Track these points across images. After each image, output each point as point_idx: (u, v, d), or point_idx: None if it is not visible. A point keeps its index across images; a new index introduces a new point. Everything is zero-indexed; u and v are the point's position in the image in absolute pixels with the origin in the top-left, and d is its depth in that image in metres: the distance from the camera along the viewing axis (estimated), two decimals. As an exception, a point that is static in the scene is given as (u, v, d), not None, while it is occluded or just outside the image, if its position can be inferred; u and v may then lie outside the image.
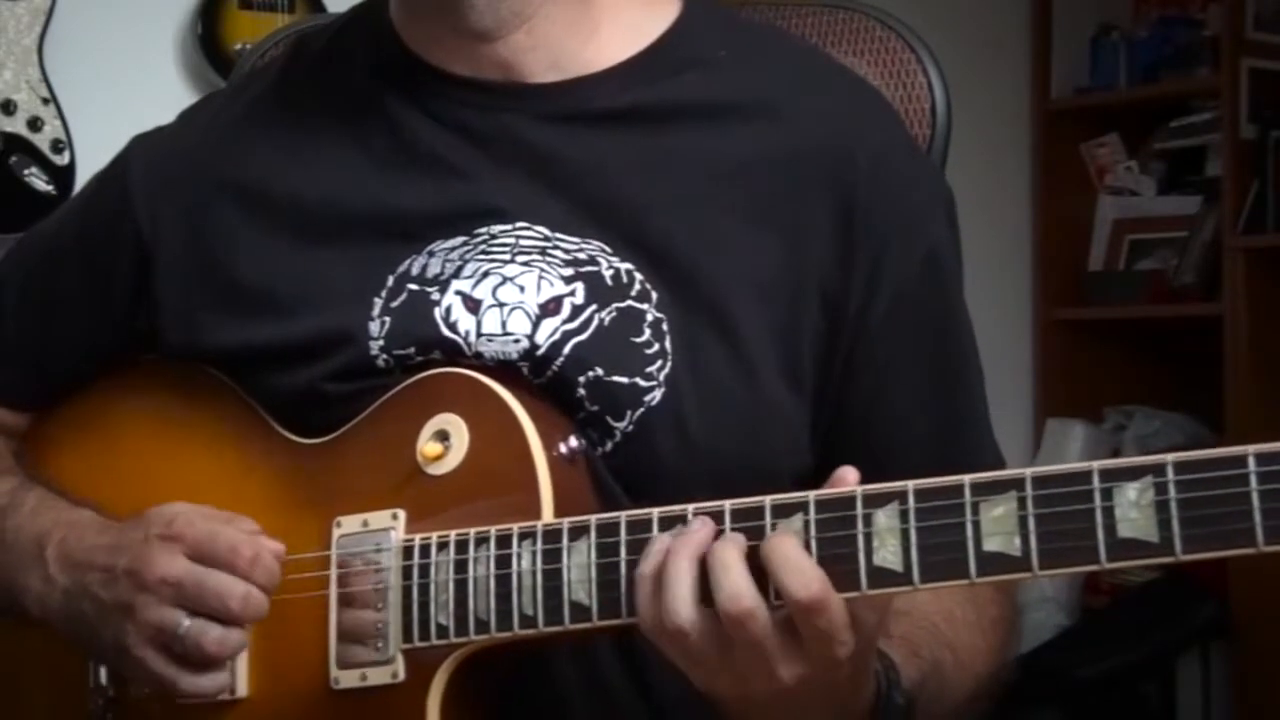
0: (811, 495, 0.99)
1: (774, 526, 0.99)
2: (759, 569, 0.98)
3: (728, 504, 1.01)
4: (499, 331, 1.17)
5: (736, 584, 0.97)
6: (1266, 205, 3.67)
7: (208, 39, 3.04)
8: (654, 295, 1.17)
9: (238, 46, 3.01)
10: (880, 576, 0.97)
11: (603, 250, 1.18)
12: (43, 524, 1.24)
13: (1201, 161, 4.00)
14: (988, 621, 1.20)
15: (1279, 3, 3.79)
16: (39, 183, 2.83)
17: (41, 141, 2.84)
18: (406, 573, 1.11)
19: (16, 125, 2.82)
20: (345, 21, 1.31)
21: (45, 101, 2.84)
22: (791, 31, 1.49)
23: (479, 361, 1.17)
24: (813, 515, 0.98)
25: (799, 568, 0.97)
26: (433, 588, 1.10)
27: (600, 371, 1.16)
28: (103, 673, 1.24)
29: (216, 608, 1.14)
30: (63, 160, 2.84)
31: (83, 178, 2.82)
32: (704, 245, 1.18)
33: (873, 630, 1.00)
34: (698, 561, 0.99)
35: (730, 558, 0.98)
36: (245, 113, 1.30)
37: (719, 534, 1.00)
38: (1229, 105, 3.73)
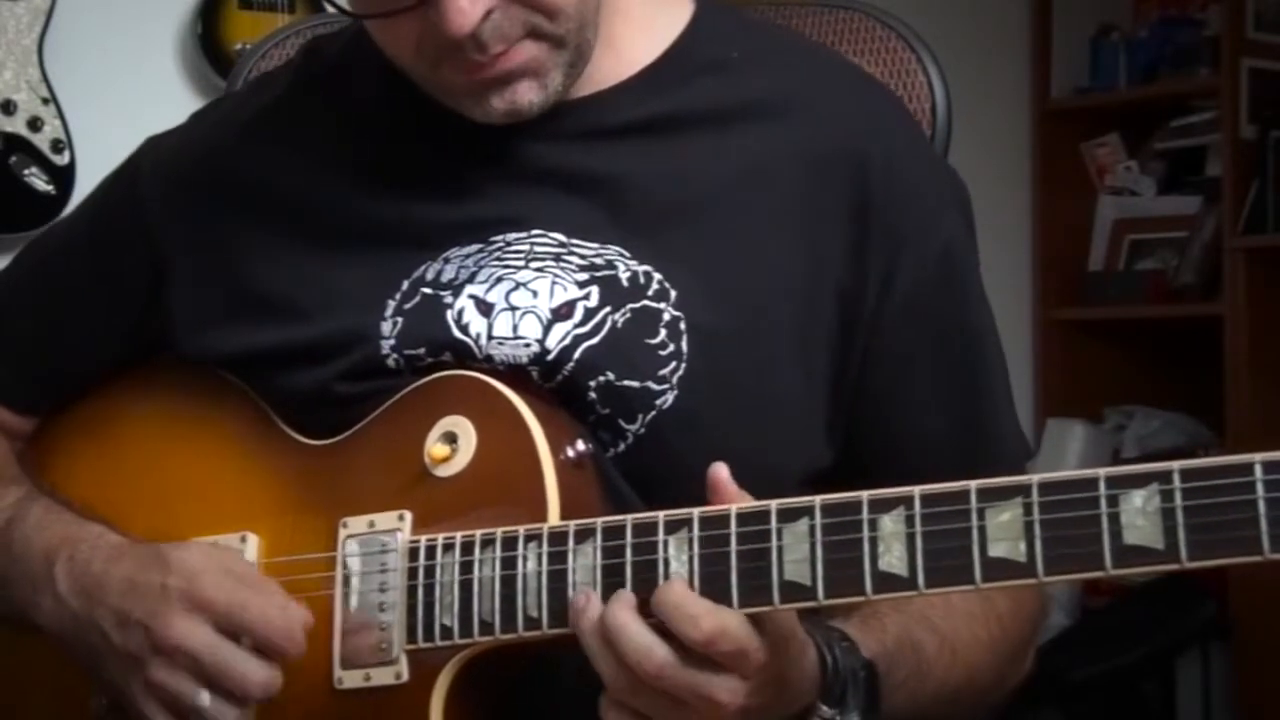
0: (817, 500, 0.99)
1: (779, 532, 0.99)
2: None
3: (733, 508, 1.01)
4: (510, 335, 1.17)
5: (639, 640, 0.99)
6: (1266, 205, 3.67)
7: (208, 39, 3.04)
8: (672, 294, 1.17)
9: (238, 46, 3.00)
10: (885, 581, 0.97)
11: (621, 254, 1.18)
12: (49, 539, 1.23)
13: (1201, 161, 4.00)
14: (994, 615, 1.20)
15: (1279, 3, 3.79)
16: (39, 183, 2.83)
17: (41, 141, 2.83)
18: (412, 574, 1.11)
19: (16, 125, 2.81)
20: (360, 29, 1.31)
21: (45, 101, 2.84)
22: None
23: (489, 365, 1.17)
24: (818, 520, 0.99)
25: (686, 613, 0.98)
26: (438, 589, 1.10)
27: (611, 376, 1.16)
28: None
29: (235, 689, 1.12)
30: (63, 160, 2.84)
31: (82, 178, 2.82)
32: (722, 245, 1.19)
33: (786, 622, 1.01)
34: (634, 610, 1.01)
35: (624, 618, 1.00)
36: (258, 117, 1.30)
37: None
38: (1229, 105, 3.73)
